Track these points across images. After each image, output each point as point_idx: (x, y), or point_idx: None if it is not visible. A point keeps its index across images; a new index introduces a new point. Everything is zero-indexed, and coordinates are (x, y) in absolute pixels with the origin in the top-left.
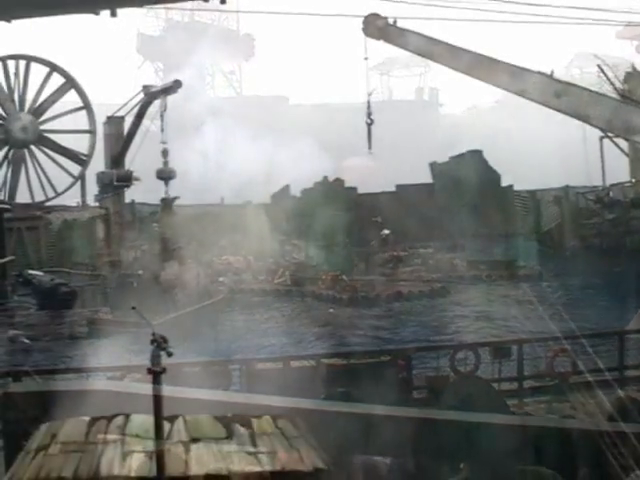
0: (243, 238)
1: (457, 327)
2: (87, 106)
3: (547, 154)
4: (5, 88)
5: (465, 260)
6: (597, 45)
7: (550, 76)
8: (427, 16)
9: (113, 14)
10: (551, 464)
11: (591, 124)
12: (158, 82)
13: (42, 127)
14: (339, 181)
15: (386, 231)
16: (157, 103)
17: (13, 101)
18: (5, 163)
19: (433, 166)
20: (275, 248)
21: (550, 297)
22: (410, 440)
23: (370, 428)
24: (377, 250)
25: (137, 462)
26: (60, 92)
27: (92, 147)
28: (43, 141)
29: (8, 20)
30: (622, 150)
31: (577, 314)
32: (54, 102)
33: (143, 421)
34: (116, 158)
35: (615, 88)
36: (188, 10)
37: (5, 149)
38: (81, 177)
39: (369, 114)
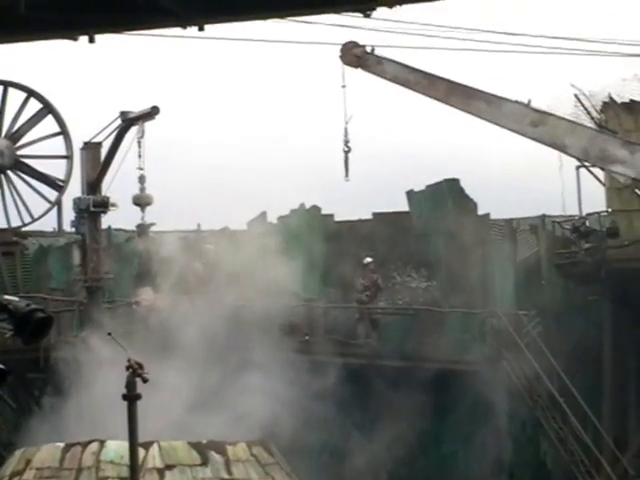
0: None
1: None
2: (64, 132)
3: (523, 182)
4: None
5: (440, 289)
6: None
7: (527, 105)
8: (407, 45)
9: (91, 40)
10: None
11: (567, 153)
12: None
13: (19, 152)
14: (316, 208)
15: (368, 259)
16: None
17: None
18: None
19: (410, 194)
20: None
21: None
22: None
23: None
24: (356, 277)
25: None
26: (37, 117)
27: (69, 173)
28: (20, 166)
29: None
30: (598, 180)
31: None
32: (31, 127)
33: (118, 447)
34: (93, 184)
35: (592, 117)
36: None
37: None
38: (58, 203)
39: (346, 142)
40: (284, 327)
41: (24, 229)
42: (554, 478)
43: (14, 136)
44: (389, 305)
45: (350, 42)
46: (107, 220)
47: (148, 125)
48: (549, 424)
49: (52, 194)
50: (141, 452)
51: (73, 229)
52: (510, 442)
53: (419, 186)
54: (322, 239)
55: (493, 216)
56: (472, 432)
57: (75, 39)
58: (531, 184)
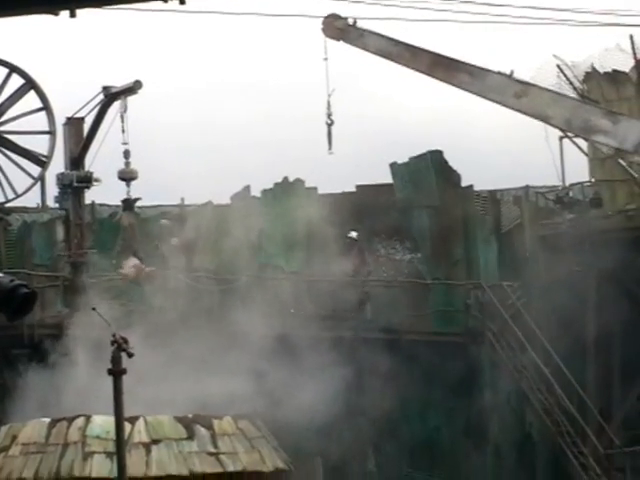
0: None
1: None
2: (47, 107)
3: (507, 153)
4: None
5: (425, 261)
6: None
7: (510, 76)
8: (388, 16)
9: (72, 15)
10: None
11: (551, 124)
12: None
13: (1, 128)
14: (300, 182)
15: (353, 233)
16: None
17: None
18: None
19: (393, 166)
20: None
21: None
22: None
23: None
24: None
25: (98, 463)
26: (19, 93)
27: (52, 148)
28: (2, 142)
29: None
30: (582, 150)
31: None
32: (13, 103)
33: (104, 422)
34: (76, 159)
35: (574, 88)
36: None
37: None
38: (41, 178)
39: (329, 114)
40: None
41: (7, 205)
42: (540, 449)
43: None
44: (374, 278)
45: (332, 15)
46: (91, 195)
47: (131, 100)
48: (534, 395)
49: (35, 170)
50: (127, 427)
51: (57, 205)
52: (495, 414)
53: (403, 158)
54: (305, 212)
55: (477, 188)
56: (457, 405)
57: (56, 14)
58: (515, 155)
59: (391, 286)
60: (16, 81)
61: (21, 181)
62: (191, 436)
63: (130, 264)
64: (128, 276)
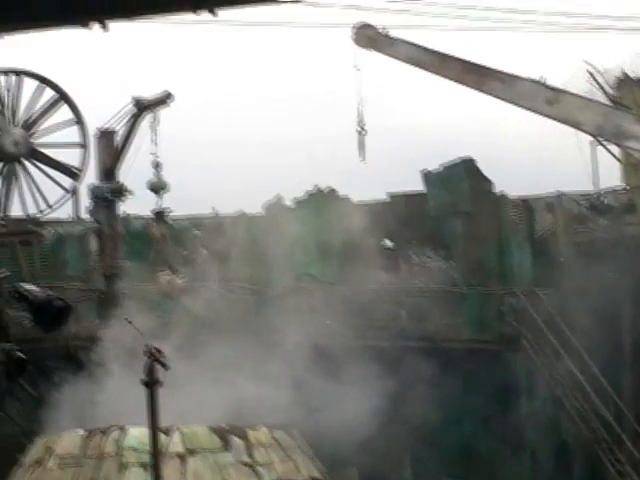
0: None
1: None
2: (79, 120)
3: (539, 160)
4: None
5: (458, 269)
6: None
7: (541, 83)
8: (418, 24)
9: (104, 28)
10: None
11: (582, 130)
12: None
13: (34, 141)
14: (332, 191)
15: (388, 242)
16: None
17: (4, 115)
18: None
19: (425, 175)
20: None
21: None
22: None
23: None
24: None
25: (134, 475)
26: (52, 106)
27: (84, 161)
28: (35, 155)
29: None
30: (614, 156)
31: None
32: (46, 116)
33: (139, 433)
34: (108, 171)
35: (606, 94)
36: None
37: None
38: (74, 191)
39: (361, 123)
40: None
41: (41, 218)
42: (576, 456)
43: (29, 125)
44: (408, 286)
45: (363, 24)
46: (123, 207)
47: (162, 111)
48: (570, 402)
49: (68, 182)
50: (162, 438)
51: (90, 217)
52: (531, 421)
53: (435, 166)
54: (339, 221)
55: (509, 195)
56: (493, 412)
57: (88, 27)
58: (547, 162)
59: (425, 294)
60: (48, 94)
61: (54, 193)
62: (226, 447)
63: (163, 278)
64: (162, 290)
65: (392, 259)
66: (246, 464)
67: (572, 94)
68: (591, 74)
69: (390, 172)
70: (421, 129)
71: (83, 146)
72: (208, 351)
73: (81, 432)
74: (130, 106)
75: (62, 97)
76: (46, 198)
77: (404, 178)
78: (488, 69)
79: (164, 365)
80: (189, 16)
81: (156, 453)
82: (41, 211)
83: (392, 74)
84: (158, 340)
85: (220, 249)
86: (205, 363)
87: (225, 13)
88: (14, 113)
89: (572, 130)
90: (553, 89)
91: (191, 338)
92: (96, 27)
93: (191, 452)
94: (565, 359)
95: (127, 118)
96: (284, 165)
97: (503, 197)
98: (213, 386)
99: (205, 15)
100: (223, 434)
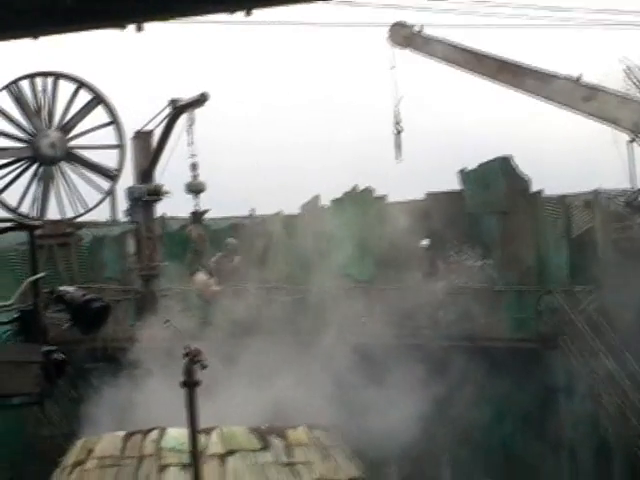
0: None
1: None
2: (115, 121)
3: (575, 158)
4: (33, 105)
5: (496, 267)
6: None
7: (577, 80)
8: (452, 23)
9: (139, 29)
10: None
11: (619, 127)
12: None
13: (71, 143)
14: (369, 190)
15: (425, 242)
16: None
17: (41, 118)
18: (35, 180)
19: (462, 173)
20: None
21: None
22: None
23: None
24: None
25: (173, 476)
26: (88, 108)
27: (122, 162)
28: (72, 157)
29: (34, 37)
30: None
31: None
32: (82, 118)
33: (179, 434)
34: (145, 173)
35: None
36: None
37: (34, 166)
38: (111, 192)
39: (397, 123)
40: None
41: (78, 220)
42: (615, 454)
43: (65, 127)
44: (446, 285)
45: (398, 23)
46: (161, 208)
47: (199, 111)
48: (609, 400)
49: (105, 184)
50: (202, 438)
51: (127, 218)
52: (570, 419)
53: (471, 164)
54: (376, 221)
55: (546, 193)
56: (531, 410)
57: (123, 28)
58: (584, 159)
59: (463, 293)
60: (84, 96)
61: (91, 195)
62: (266, 447)
63: (199, 279)
64: (197, 291)
65: (430, 258)
66: (285, 464)
67: (608, 91)
68: (628, 71)
69: (429, 174)
70: (459, 129)
71: (120, 147)
72: (247, 352)
73: (121, 433)
74: (166, 107)
75: (98, 98)
76: (83, 200)
77: (443, 179)
78: (524, 67)
79: (203, 366)
80: (222, 16)
81: (195, 454)
82: (79, 213)
83: (429, 74)
84: (197, 341)
85: (258, 250)
86: (244, 364)
87: (259, 13)
88: (50, 115)
89: (609, 128)
90: (589, 86)
91: (230, 339)
92: (131, 28)
93: (230, 452)
94: (604, 357)
95: (163, 119)
96: (322, 167)
97: (539, 195)
98: (252, 388)
99: (238, 15)
100: (262, 434)
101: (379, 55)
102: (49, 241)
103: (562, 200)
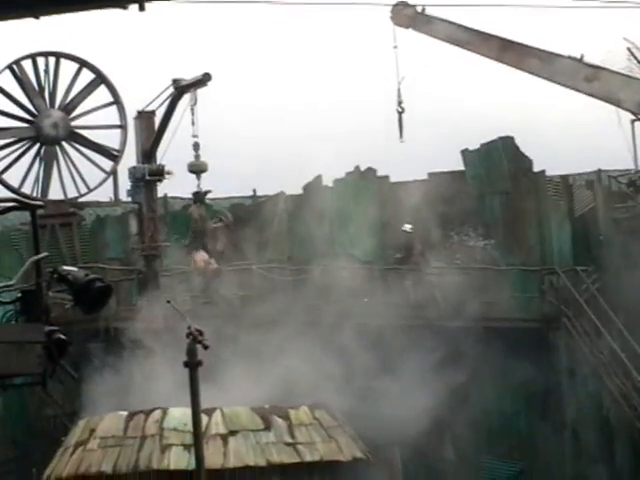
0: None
1: None
2: (118, 101)
3: (578, 138)
4: (35, 85)
5: (498, 247)
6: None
7: (580, 60)
8: (454, 3)
9: (141, 8)
10: None
11: (622, 107)
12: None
13: (73, 123)
14: (371, 170)
15: (407, 226)
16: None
17: (43, 98)
18: (37, 160)
19: (464, 153)
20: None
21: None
22: None
23: None
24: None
25: (176, 456)
26: (90, 88)
27: (124, 142)
28: (74, 137)
29: (35, 17)
30: None
31: None
32: (84, 98)
33: (181, 414)
34: (147, 153)
35: None
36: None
37: (37, 146)
38: (113, 172)
39: (400, 102)
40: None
41: (81, 200)
42: (617, 434)
43: (68, 107)
44: (444, 265)
45: (401, 2)
46: (163, 188)
47: (201, 91)
48: (611, 380)
49: (107, 164)
50: (204, 419)
51: (129, 198)
52: (572, 399)
53: (474, 145)
54: (378, 201)
55: (548, 173)
56: (534, 390)
57: (125, 7)
58: (586, 139)
59: (465, 273)
60: (86, 76)
61: (94, 175)
62: (268, 427)
63: (199, 258)
64: (198, 270)
65: (413, 242)
66: (288, 444)
67: (611, 71)
68: (630, 51)
69: (432, 154)
70: (462, 110)
71: (122, 127)
72: (243, 332)
73: (123, 413)
74: (169, 87)
75: (100, 78)
76: (85, 180)
77: (446, 160)
78: (527, 47)
79: (205, 346)
80: None
81: (198, 434)
82: (81, 194)
83: (432, 55)
84: (197, 320)
85: (258, 230)
86: (245, 344)
87: None
88: (52, 95)
89: (612, 107)
90: (592, 66)
91: (228, 318)
92: (133, 8)
93: (233, 433)
94: (606, 337)
95: (166, 99)
96: (324, 145)
97: (542, 175)
98: (254, 367)
99: None
100: (264, 414)
101: (381, 35)
102: (51, 221)
103: (565, 180)
